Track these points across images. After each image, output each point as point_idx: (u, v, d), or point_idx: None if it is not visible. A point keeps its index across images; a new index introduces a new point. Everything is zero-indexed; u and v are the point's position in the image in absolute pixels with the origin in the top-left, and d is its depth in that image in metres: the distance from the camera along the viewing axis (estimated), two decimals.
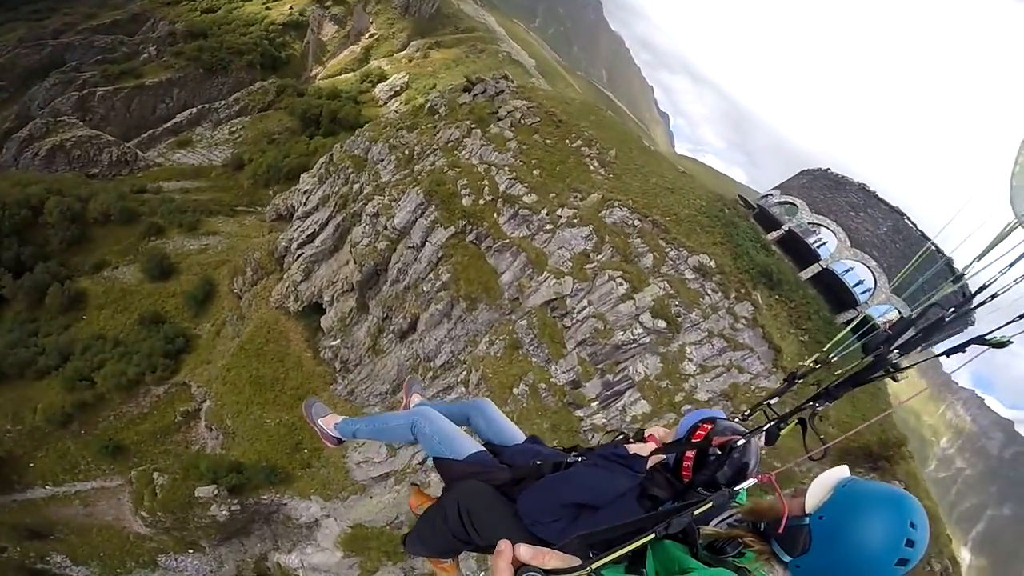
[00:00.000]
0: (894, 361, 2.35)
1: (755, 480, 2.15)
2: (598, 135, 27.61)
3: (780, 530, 1.91)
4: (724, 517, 2.15)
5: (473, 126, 28.92)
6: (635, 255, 20.91)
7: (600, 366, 20.20)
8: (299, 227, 32.50)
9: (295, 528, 28.91)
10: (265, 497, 28.49)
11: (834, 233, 25.82)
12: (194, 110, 62.02)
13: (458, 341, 23.16)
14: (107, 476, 33.65)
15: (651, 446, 2.82)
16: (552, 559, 1.57)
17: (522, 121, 28.66)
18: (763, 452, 2.46)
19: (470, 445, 3.15)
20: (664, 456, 2.56)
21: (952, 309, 2.33)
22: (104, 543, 31.99)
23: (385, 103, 60.81)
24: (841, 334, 2.88)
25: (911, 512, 1.79)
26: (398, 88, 61.95)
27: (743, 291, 19.63)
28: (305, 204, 33.05)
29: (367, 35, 73.84)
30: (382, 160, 30.19)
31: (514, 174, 25.14)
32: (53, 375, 35.18)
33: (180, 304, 38.74)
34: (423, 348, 24.85)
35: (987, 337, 2.13)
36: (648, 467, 2.60)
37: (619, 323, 19.77)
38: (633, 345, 19.62)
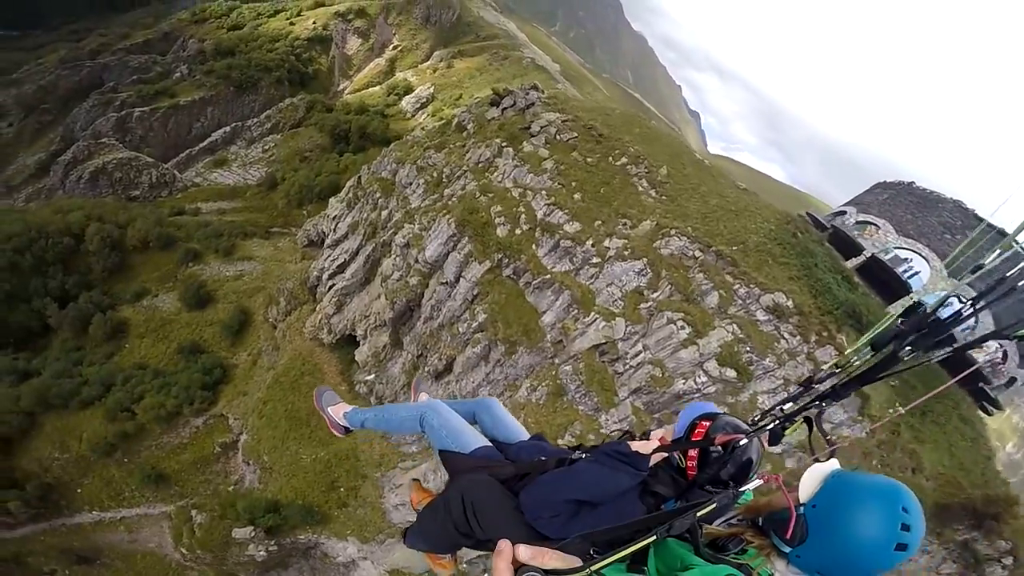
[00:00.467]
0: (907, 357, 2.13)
1: (762, 481, 2.03)
2: (645, 150, 24.69)
3: (789, 530, 1.85)
4: (727, 517, 2.12)
5: (504, 144, 26.39)
6: (698, 293, 18.05)
7: (657, 415, 17.59)
8: (329, 256, 30.60)
9: (333, 566, 27.25)
10: (302, 536, 26.86)
11: (927, 260, 22.18)
12: (227, 129, 61.04)
13: (496, 385, 20.80)
14: (150, 503, 33.28)
15: (654, 443, 2.66)
16: (552, 559, 1.50)
17: (558, 137, 25.97)
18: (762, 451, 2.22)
19: (476, 440, 3.10)
20: (667, 454, 2.50)
21: (970, 303, 2.14)
22: (148, 569, 31.44)
23: (412, 115, 58.71)
24: (860, 342, 2.56)
25: (902, 497, 1.77)
26: (424, 100, 59.77)
27: (825, 334, 16.65)
28: (335, 231, 31.11)
29: (391, 47, 71.77)
30: (410, 184, 27.95)
31: (552, 199, 22.54)
32: (96, 405, 34.88)
33: (217, 333, 37.93)
34: (460, 390, 22.61)
35: (1006, 331, 2.10)
36: (651, 465, 2.50)
37: (680, 370, 17.09)
38: (696, 394, 16.94)
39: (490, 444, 3.14)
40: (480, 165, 26.05)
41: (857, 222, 23.45)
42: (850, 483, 1.86)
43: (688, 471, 2.44)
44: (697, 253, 19.78)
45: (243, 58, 69.92)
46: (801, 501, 1.91)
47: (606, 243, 21.32)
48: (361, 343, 27.73)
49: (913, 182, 24.14)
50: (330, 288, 30.55)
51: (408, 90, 63.49)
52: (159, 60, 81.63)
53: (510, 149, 25.91)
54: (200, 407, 33.44)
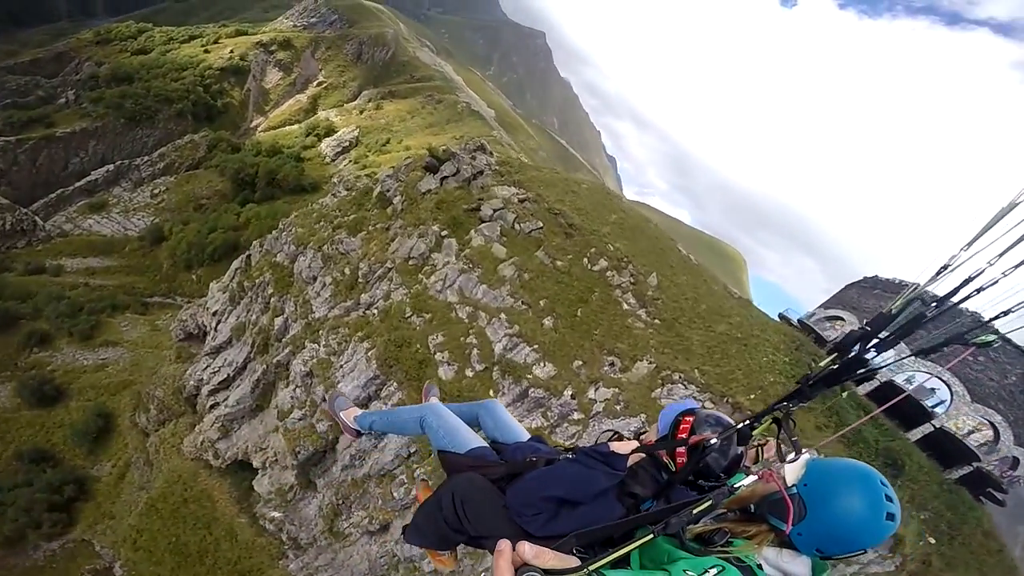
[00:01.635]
0: (870, 360, 2.02)
1: (756, 477, 1.94)
2: (626, 249, 17.43)
3: (790, 511, 1.84)
4: (715, 513, 1.98)
5: (445, 233, 18.29)
6: None
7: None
8: (209, 366, 20.89)
9: None
10: None
11: (948, 385, 16.99)
12: (112, 167, 48.00)
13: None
14: None
15: (632, 444, 2.56)
16: (552, 559, 1.45)
17: (516, 226, 18.22)
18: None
19: (472, 440, 2.97)
20: (644, 455, 2.38)
21: (935, 304, 1.96)
22: None
23: (332, 160, 48.83)
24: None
25: (877, 475, 1.82)
26: (347, 144, 50.18)
27: None
28: (215, 330, 21.45)
29: (315, 83, 61.59)
30: (314, 279, 19.07)
31: (516, 326, 14.66)
32: None
33: (70, 437, 26.92)
34: (403, 552, 14.05)
35: (967, 335, 2.00)
36: (630, 465, 2.36)
37: None
38: None
39: (486, 444, 2.97)
40: (411, 263, 17.70)
41: (827, 318, 19.51)
42: (831, 467, 1.89)
43: (677, 466, 2.24)
44: (708, 405, 12.77)
45: (141, 86, 56.98)
46: (791, 483, 1.88)
47: (590, 393, 13.87)
48: (260, 474, 18.27)
49: (876, 275, 21.47)
50: (211, 407, 20.82)
51: (330, 131, 53.69)
52: (43, 83, 65.93)
53: (453, 241, 17.81)
54: (52, 531, 23.99)
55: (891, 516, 1.76)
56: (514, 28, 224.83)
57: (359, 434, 3.73)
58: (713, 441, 2.12)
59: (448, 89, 67.71)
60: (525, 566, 1.41)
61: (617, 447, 2.51)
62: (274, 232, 22.59)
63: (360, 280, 17.99)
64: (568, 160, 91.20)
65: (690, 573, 1.59)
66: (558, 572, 1.43)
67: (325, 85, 61.62)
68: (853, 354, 2.04)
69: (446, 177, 22.06)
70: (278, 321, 18.80)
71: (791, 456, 1.92)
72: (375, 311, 16.58)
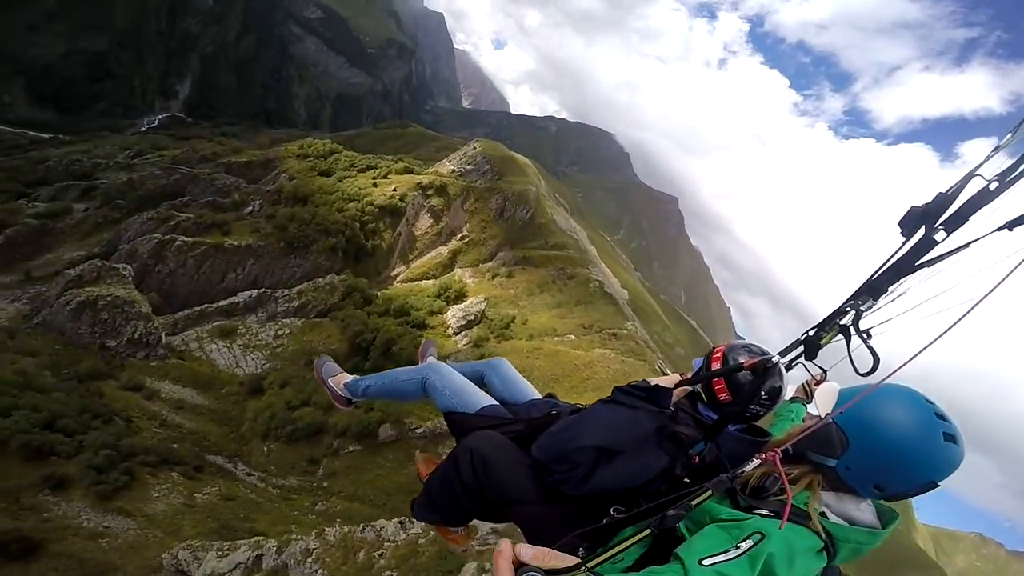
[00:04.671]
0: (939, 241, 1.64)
1: (759, 460, 1.73)
2: None
3: (830, 442, 1.60)
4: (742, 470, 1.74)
5: None
6: None
7: None
8: None
9: None
10: None
11: None
12: (255, 293, 48.50)
13: None
14: None
15: (675, 378, 2.21)
16: (552, 559, 1.36)
17: None
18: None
19: (483, 398, 2.62)
20: (691, 388, 2.09)
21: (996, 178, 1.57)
22: None
23: (455, 335, 44.84)
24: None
25: (919, 394, 1.59)
26: (472, 318, 46.44)
27: None
28: None
29: (458, 236, 61.21)
30: None
31: None
32: None
33: None
34: None
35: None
36: (673, 402, 2.04)
37: None
38: None
39: (497, 403, 2.61)
40: None
41: None
42: (866, 393, 1.59)
43: (721, 402, 1.96)
44: None
45: (310, 211, 60.38)
46: (823, 414, 1.65)
47: None
48: None
49: None
50: None
51: (460, 295, 50.84)
52: (243, 187, 73.99)
53: None
54: None
55: (950, 437, 1.50)
56: (645, 192, 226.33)
57: (349, 402, 3.20)
58: (775, 360, 1.85)
59: (581, 262, 63.84)
60: (525, 566, 1.29)
61: (658, 380, 2.15)
62: None
63: None
64: (697, 342, 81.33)
65: (710, 560, 1.32)
66: (559, 571, 1.31)
67: (467, 240, 61.03)
68: (921, 236, 1.64)
69: None
70: None
71: (868, 367, 1.64)
72: None
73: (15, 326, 43.75)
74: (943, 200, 1.61)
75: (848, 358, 1.73)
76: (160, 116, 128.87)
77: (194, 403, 36.16)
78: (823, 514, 1.54)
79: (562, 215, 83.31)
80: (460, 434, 2.45)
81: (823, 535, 1.48)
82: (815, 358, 1.90)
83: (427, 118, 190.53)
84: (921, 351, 1.36)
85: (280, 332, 43.67)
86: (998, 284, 1.33)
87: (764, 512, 1.52)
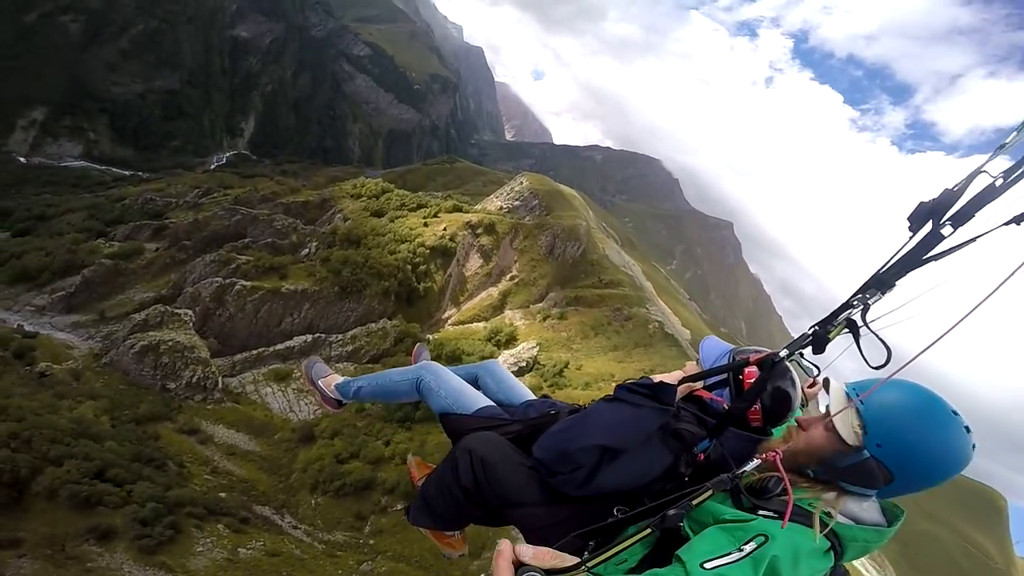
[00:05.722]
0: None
1: (759, 461, 1.72)
2: None
3: (875, 480, 1.57)
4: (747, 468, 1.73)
5: None
6: None
7: None
8: None
9: None
10: None
11: None
12: (310, 338, 48.77)
13: None
14: None
15: (678, 374, 2.19)
16: (552, 559, 1.37)
17: None
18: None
19: (479, 399, 2.58)
20: (696, 385, 2.06)
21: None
22: None
23: None
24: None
25: (934, 395, 1.59)
26: (524, 364, 44.46)
27: None
28: None
29: (508, 276, 59.92)
30: None
31: None
32: None
33: None
34: None
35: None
36: (677, 400, 1.99)
37: None
38: None
39: (494, 404, 2.59)
40: None
41: None
42: (894, 410, 1.56)
43: (745, 385, 1.98)
44: None
45: (363, 253, 60.96)
46: (853, 443, 1.57)
47: None
48: None
49: None
50: None
51: (511, 339, 49.06)
52: (300, 228, 75.85)
53: None
54: None
55: (967, 430, 1.53)
56: (698, 218, 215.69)
57: (340, 404, 3.18)
58: (783, 353, 1.84)
59: (638, 300, 60.86)
60: (525, 566, 1.30)
61: (662, 377, 2.09)
62: None
63: None
64: None
65: (712, 563, 1.34)
66: (559, 571, 1.32)
67: (517, 280, 59.60)
68: (929, 230, 1.65)
69: None
70: None
71: (879, 362, 1.60)
72: None
73: (85, 365, 45.47)
74: (950, 196, 1.59)
75: (858, 350, 1.70)
76: (228, 154, 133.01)
77: (246, 449, 35.70)
78: (828, 514, 1.53)
79: (613, 248, 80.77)
80: (457, 436, 2.40)
81: (829, 535, 1.46)
82: (823, 352, 1.83)
83: (473, 151, 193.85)
84: (934, 343, 1.38)
85: None
86: (1008, 278, 1.33)
87: (768, 513, 1.50)
